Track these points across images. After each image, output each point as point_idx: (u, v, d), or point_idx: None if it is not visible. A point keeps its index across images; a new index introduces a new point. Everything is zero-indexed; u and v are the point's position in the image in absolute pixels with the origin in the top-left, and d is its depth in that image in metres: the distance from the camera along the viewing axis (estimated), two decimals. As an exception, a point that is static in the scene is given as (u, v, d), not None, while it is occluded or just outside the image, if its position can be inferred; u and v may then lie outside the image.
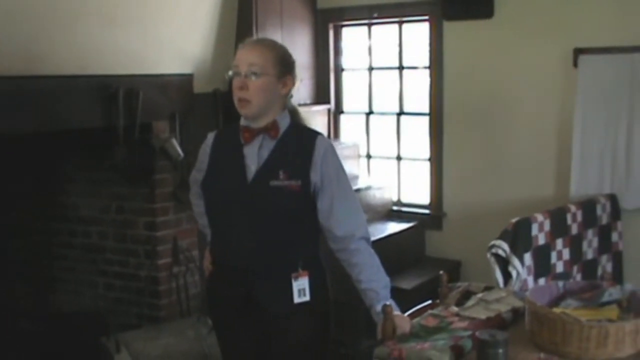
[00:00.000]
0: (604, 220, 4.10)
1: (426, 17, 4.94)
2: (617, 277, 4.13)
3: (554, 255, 3.76)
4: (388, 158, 5.37)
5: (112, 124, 3.71)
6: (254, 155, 2.51)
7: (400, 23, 5.16)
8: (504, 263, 3.57)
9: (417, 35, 5.11)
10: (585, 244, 3.96)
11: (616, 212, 4.18)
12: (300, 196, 2.47)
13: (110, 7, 3.60)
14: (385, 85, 5.35)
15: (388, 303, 2.39)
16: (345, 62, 5.48)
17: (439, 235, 5.05)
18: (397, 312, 2.41)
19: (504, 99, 4.66)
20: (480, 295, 2.68)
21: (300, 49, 5.12)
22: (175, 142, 4.01)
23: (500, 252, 3.55)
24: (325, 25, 5.34)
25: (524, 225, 3.63)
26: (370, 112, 5.42)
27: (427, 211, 5.11)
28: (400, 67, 5.21)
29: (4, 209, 4.30)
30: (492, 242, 3.59)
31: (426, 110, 5.02)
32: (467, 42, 4.75)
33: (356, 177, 5.24)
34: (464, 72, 4.79)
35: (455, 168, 4.92)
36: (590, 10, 4.29)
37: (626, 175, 4.20)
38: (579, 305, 2.32)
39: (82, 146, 4.15)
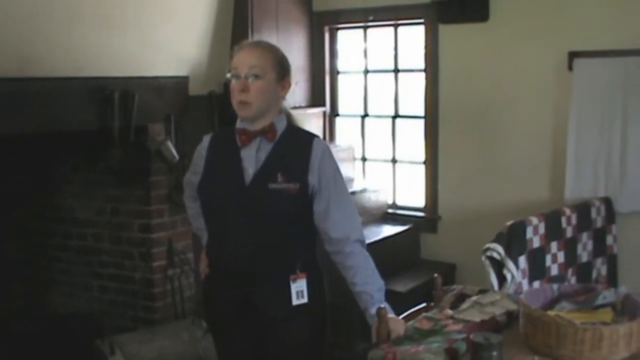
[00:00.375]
0: (599, 223, 4.11)
1: (422, 21, 4.94)
2: (612, 280, 4.14)
3: (548, 258, 3.77)
4: (383, 161, 5.37)
5: (107, 126, 3.71)
6: (252, 158, 2.51)
7: (396, 26, 5.17)
8: (498, 266, 3.57)
9: (413, 38, 5.11)
10: (580, 247, 3.97)
11: (611, 215, 4.19)
12: (298, 199, 2.48)
13: (106, 10, 3.60)
14: (381, 88, 5.35)
15: (382, 306, 2.39)
16: (340, 64, 5.48)
17: (434, 238, 5.06)
18: (391, 315, 2.42)
19: (499, 102, 4.67)
20: (474, 298, 2.68)
21: (296, 51, 5.12)
22: (170, 145, 4.01)
23: (495, 255, 3.55)
24: (321, 27, 5.35)
25: (519, 228, 3.64)
26: (365, 115, 5.42)
27: (422, 214, 5.12)
28: (396, 70, 5.22)
29: (-1, 210, 4.30)
30: (487, 245, 3.59)
31: (421, 113, 5.03)
32: (463, 46, 4.76)
33: (351, 180, 5.24)
34: (460, 75, 4.80)
35: (450, 171, 4.92)
36: (585, 13, 4.30)
37: (621, 179, 4.21)
38: (573, 308, 2.33)
39: (78, 148, 4.15)
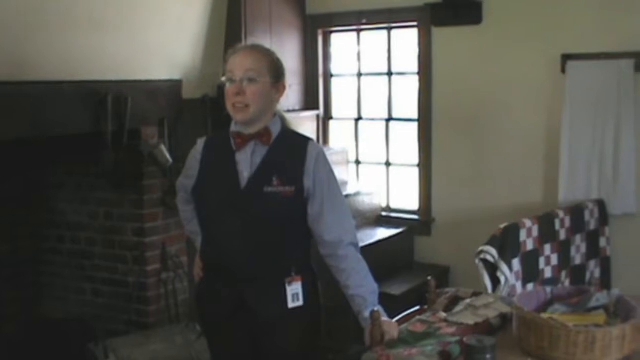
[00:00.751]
0: (592, 225, 4.12)
1: (415, 23, 4.95)
2: (605, 282, 4.15)
3: (542, 260, 3.77)
4: (377, 164, 5.38)
5: (100, 130, 3.70)
6: (247, 162, 2.51)
7: (389, 29, 5.18)
8: (492, 269, 3.58)
9: (406, 41, 5.12)
10: (573, 250, 3.98)
11: (604, 217, 4.20)
12: (293, 202, 2.48)
13: (99, 13, 3.59)
14: (374, 91, 5.36)
15: (376, 309, 2.39)
16: (334, 68, 5.49)
17: (427, 241, 5.06)
18: (385, 317, 2.42)
19: (492, 105, 4.68)
20: (468, 300, 2.68)
21: (290, 54, 5.12)
22: (164, 148, 4.00)
23: (488, 257, 3.56)
24: (314, 31, 5.35)
25: (513, 230, 3.64)
26: (359, 118, 5.43)
27: (416, 217, 5.12)
28: (389, 73, 5.23)
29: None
30: (481, 248, 3.59)
31: (415, 116, 5.04)
32: (456, 48, 4.77)
33: (345, 183, 5.24)
34: (453, 78, 4.81)
35: (444, 174, 4.93)
36: (578, 16, 4.32)
37: (614, 181, 4.22)
38: (566, 310, 2.33)
39: (71, 152, 4.14)
